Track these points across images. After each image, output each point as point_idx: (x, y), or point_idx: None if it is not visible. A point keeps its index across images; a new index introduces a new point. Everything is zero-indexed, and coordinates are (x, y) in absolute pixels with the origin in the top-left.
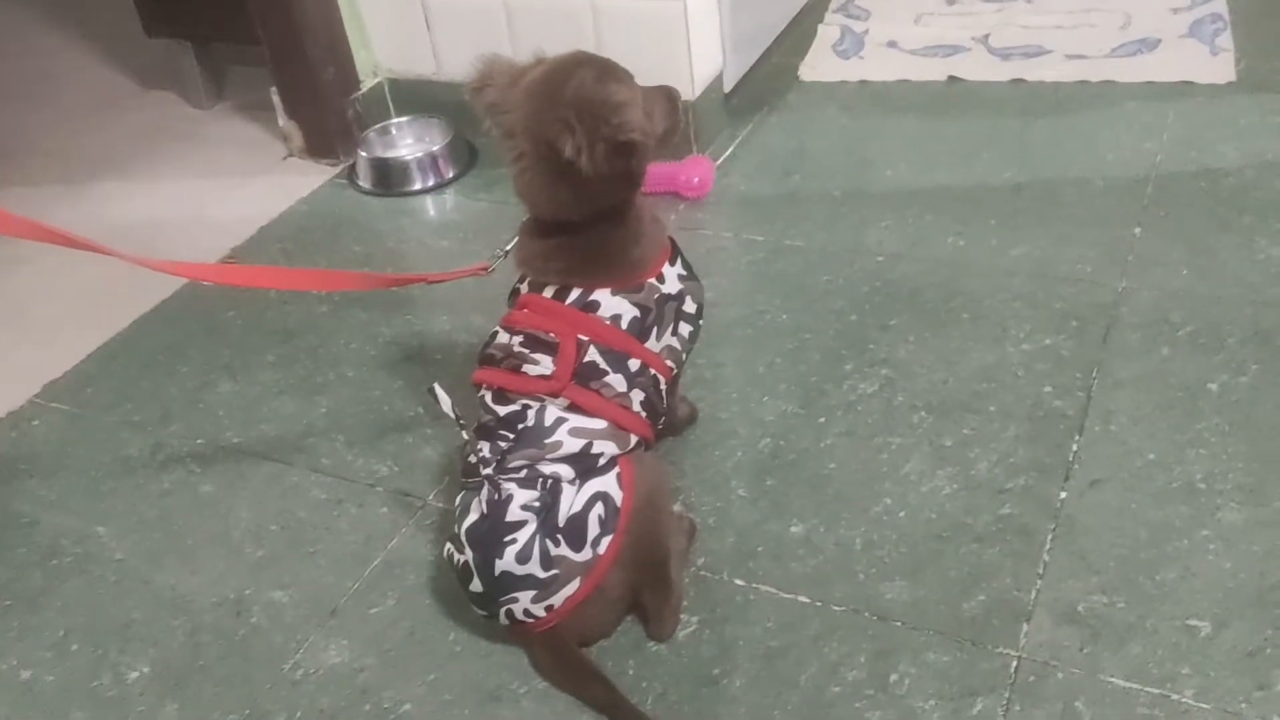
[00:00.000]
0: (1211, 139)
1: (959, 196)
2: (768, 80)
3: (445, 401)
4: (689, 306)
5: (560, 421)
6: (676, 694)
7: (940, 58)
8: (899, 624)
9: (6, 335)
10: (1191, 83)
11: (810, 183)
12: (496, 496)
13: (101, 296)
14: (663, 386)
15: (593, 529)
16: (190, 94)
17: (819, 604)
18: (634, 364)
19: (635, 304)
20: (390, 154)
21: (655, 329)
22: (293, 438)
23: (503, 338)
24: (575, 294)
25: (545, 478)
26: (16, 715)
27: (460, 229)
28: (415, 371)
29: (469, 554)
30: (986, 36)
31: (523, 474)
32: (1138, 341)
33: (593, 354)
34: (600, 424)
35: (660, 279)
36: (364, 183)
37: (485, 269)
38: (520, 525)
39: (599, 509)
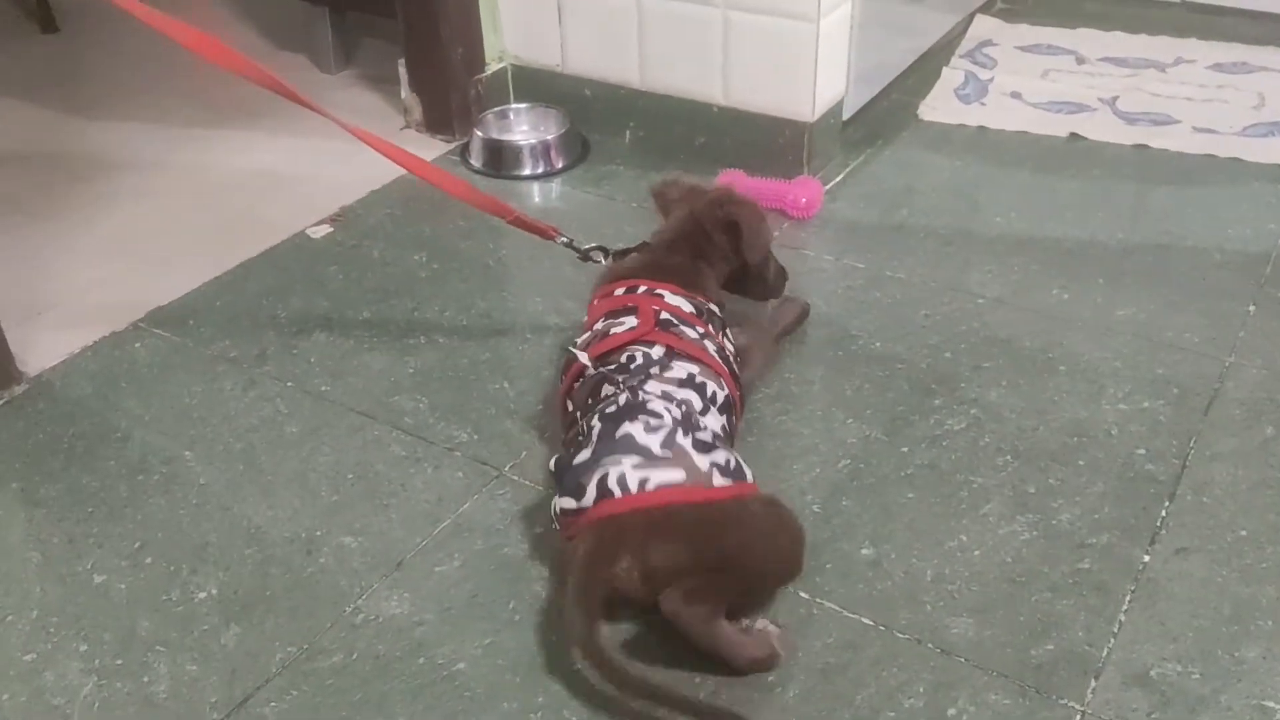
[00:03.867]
0: None
1: (1068, 251)
2: (886, 114)
3: (583, 356)
4: (733, 339)
5: (662, 359)
6: (729, 695)
7: (1064, 114)
8: (962, 660)
9: (122, 262)
10: None
11: (917, 219)
12: (637, 398)
13: (214, 237)
14: (732, 358)
15: (720, 457)
16: (320, 58)
17: (882, 628)
18: (698, 328)
19: (690, 301)
20: (505, 137)
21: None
22: (378, 393)
23: (586, 335)
24: (643, 288)
25: (680, 400)
26: (87, 616)
27: (563, 217)
28: (504, 345)
29: (595, 429)
30: (1115, 99)
31: (659, 391)
32: (1240, 417)
33: (665, 315)
34: (696, 366)
35: (709, 303)
36: (476, 162)
37: (554, 234)
38: (658, 415)
39: (731, 459)
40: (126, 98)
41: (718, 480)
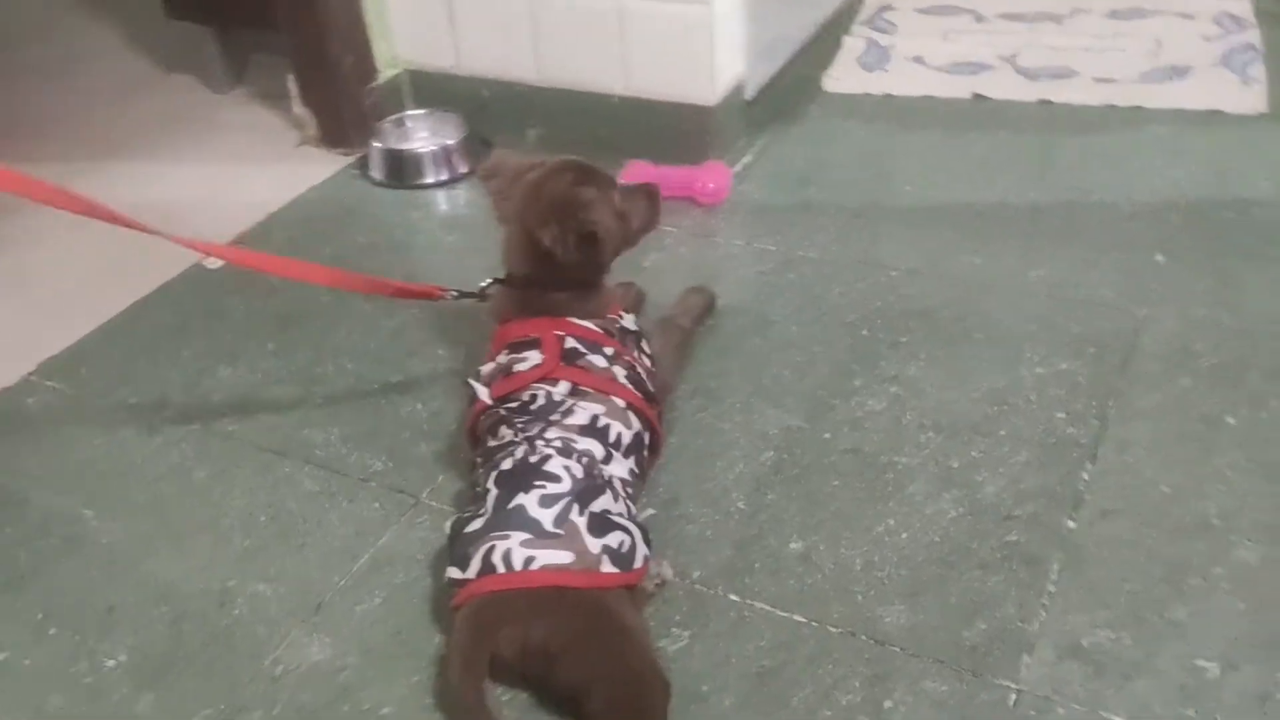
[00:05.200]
0: (1241, 169)
1: (979, 215)
2: (790, 90)
3: (482, 392)
4: (648, 348)
5: (566, 400)
6: (668, 708)
7: (966, 75)
8: (897, 649)
9: (7, 310)
10: (1221, 112)
11: (827, 194)
12: (534, 455)
13: (103, 276)
14: (646, 377)
15: (614, 540)
16: (210, 79)
17: (815, 624)
18: (608, 350)
19: (597, 324)
20: (404, 146)
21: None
22: (289, 428)
23: (488, 366)
24: (542, 318)
25: (580, 452)
26: None
27: (471, 225)
28: (415, 367)
29: (491, 494)
30: (1014, 56)
31: (558, 444)
32: (1157, 371)
33: (570, 342)
34: (601, 406)
35: (619, 316)
36: (376, 174)
37: (440, 293)
38: (556, 478)
39: (625, 541)
40: (4, 132)
41: (606, 567)
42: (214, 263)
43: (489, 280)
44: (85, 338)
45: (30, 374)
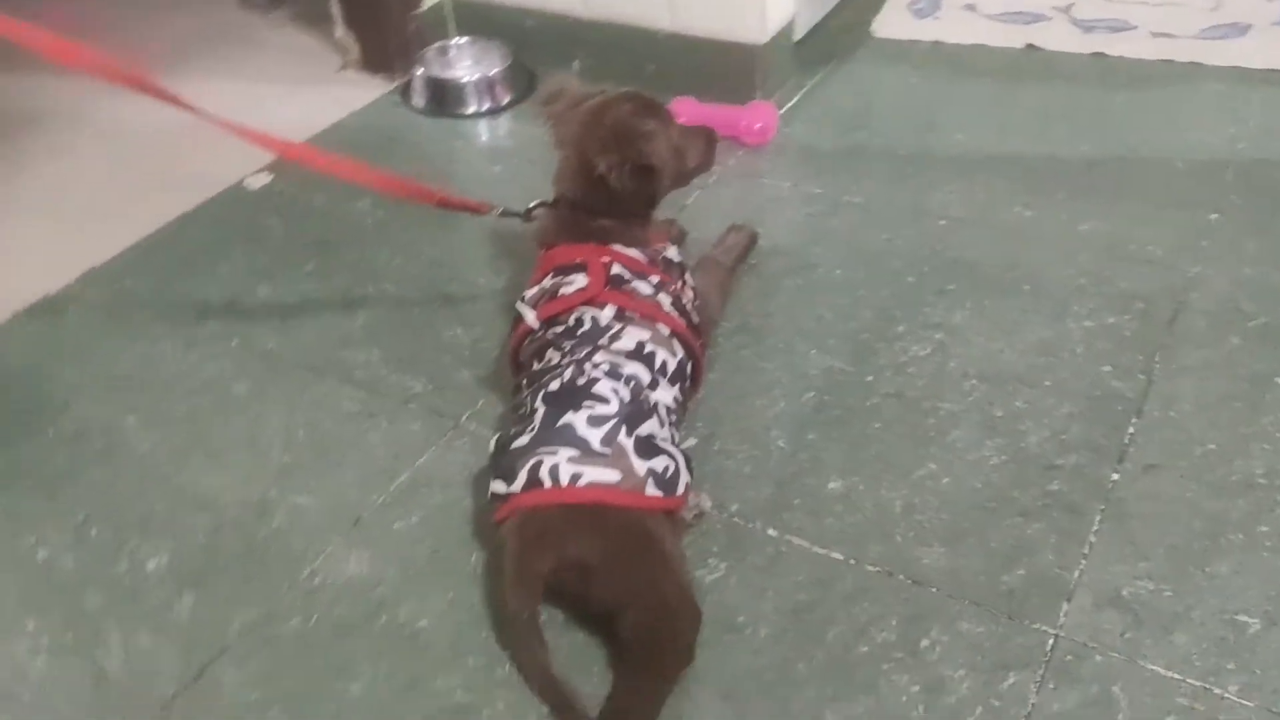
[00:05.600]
0: None
1: (1029, 167)
2: (840, 33)
3: (529, 314)
4: (692, 281)
5: (613, 324)
6: (698, 638)
7: (1020, 24)
8: (934, 590)
9: (48, 222)
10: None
11: (875, 140)
12: (582, 376)
13: (143, 192)
14: (690, 308)
15: (659, 464)
16: None
17: (852, 562)
18: (653, 278)
19: (643, 253)
20: (447, 74)
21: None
22: (329, 348)
23: (533, 291)
24: (589, 244)
25: (627, 376)
26: (32, 593)
27: (511, 156)
28: (456, 293)
29: (538, 413)
30: (1070, 6)
31: (606, 367)
32: (1205, 329)
33: (616, 269)
34: (647, 332)
35: (664, 247)
36: (418, 101)
37: (486, 209)
38: (604, 400)
39: (670, 466)
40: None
41: (651, 489)
42: (254, 183)
43: (535, 203)
44: (126, 251)
45: (73, 284)
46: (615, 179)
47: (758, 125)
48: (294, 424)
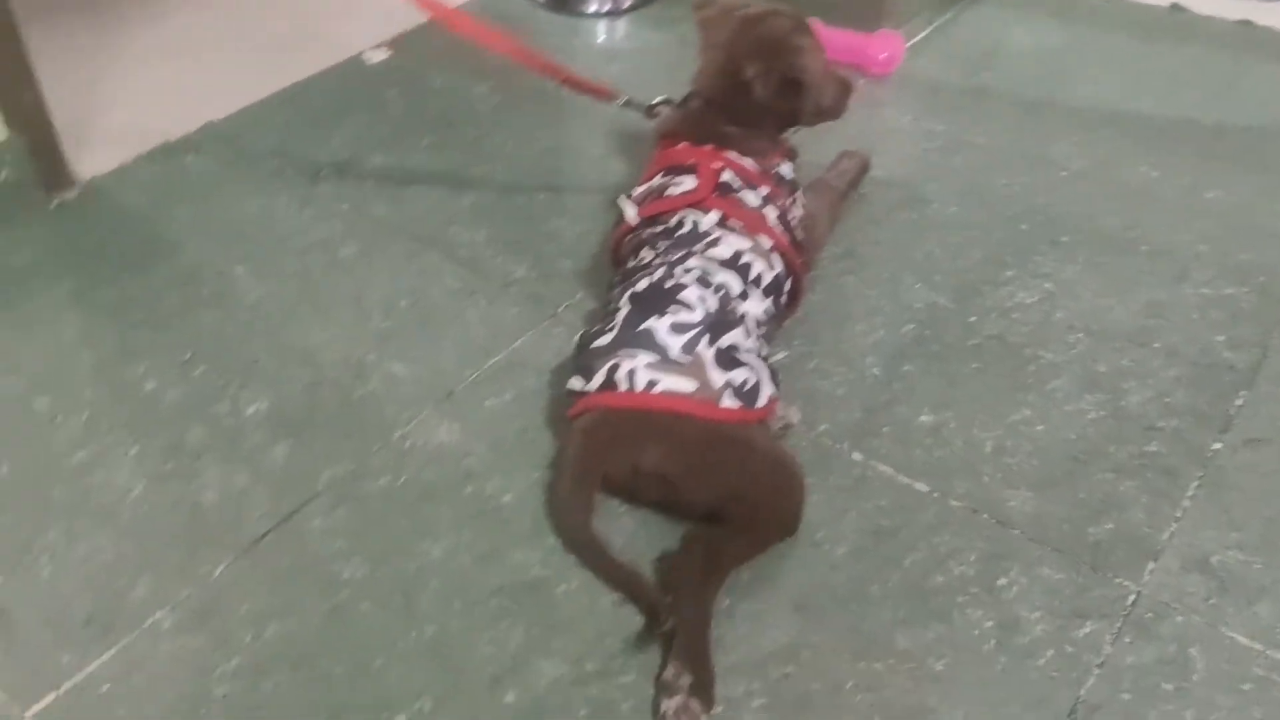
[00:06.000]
0: None
1: (1158, 127)
2: None
3: (630, 210)
4: (803, 200)
5: (713, 231)
6: (777, 548)
7: None
8: (1017, 532)
9: (178, 70)
10: None
11: (1002, 83)
12: (671, 279)
13: (271, 52)
14: (795, 225)
15: (738, 376)
16: None
17: (937, 495)
18: (762, 190)
19: (757, 164)
20: None
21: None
22: (436, 223)
23: (641, 188)
24: (708, 146)
25: (717, 285)
26: (137, 421)
27: (629, 58)
28: (566, 183)
29: (621, 312)
30: None
31: (697, 273)
32: None
33: (727, 176)
34: (746, 242)
35: (779, 162)
36: None
37: (612, 96)
38: (689, 307)
39: (749, 380)
40: None
41: (727, 401)
42: (372, 58)
43: (660, 99)
44: (247, 107)
45: (193, 133)
46: (760, 88)
47: (883, 55)
48: (397, 292)
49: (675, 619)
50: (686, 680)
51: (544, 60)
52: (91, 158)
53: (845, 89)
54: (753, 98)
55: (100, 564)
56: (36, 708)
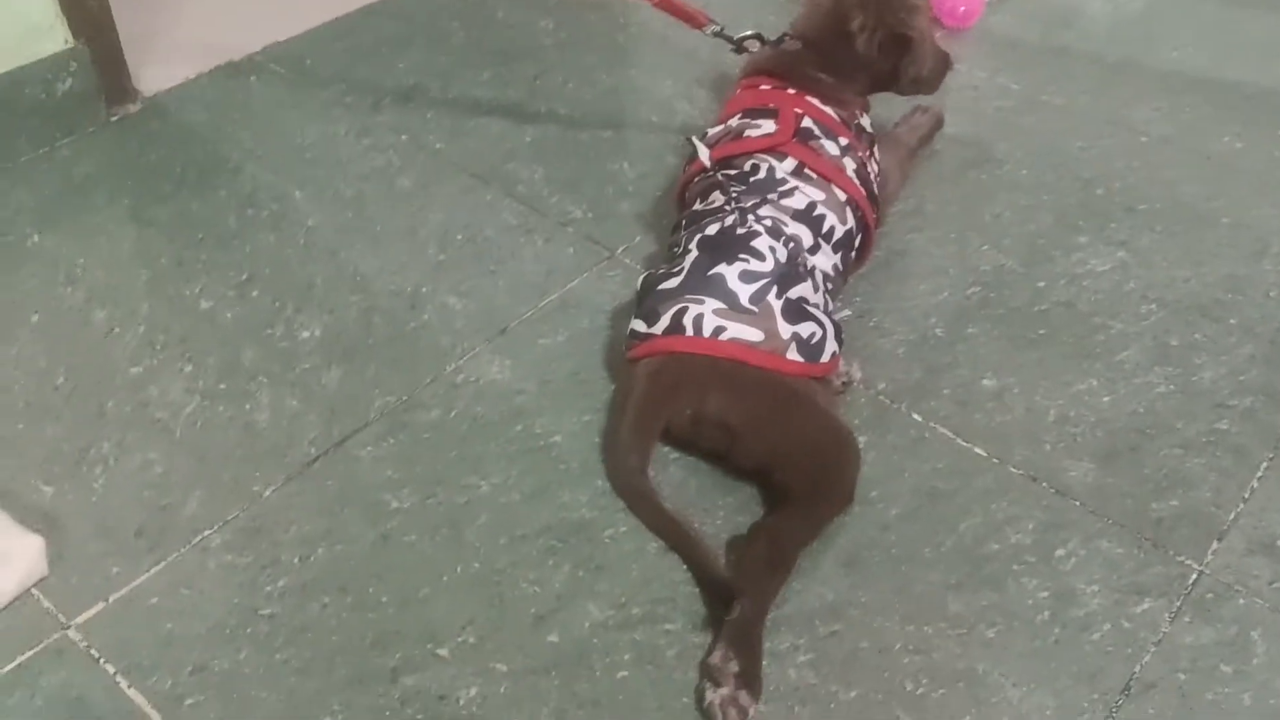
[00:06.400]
0: None
1: (1247, 96)
2: None
3: (703, 151)
4: (879, 158)
5: (788, 179)
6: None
7: None
8: (1077, 504)
9: None
10: None
11: (1083, 43)
12: (743, 227)
13: None
14: (873, 179)
15: (805, 329)
16: None
17: (996, 461)
18: (843, 140)
19: (839, 113)
20: None
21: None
22: (494, 159)
23: (717, 129)
24: (792, 89)
25: (789, 236)
26: (192, 338)
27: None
28: (628, 125)
29: (690, 256)
30: None
31: (769, 223)
32: None
33: (808, 122)
34: (821, 193)
35: (860, 114)
36: None
37: (704, 21)
38: (760, 256)
39: (816, 333)
40: None
41: (792, 354)
42: None
43: (751, 33)
44: (311, 30)
45: (256, 54)
46: (866, 40)
47: (961, 8)
48: (453, 225)
49: (737, 603)
50: (734, 667)
51: None
52: (154, 73)
53: (945, 63)
54: (855, 50)
55: (152, 478)
56: (83, 617)
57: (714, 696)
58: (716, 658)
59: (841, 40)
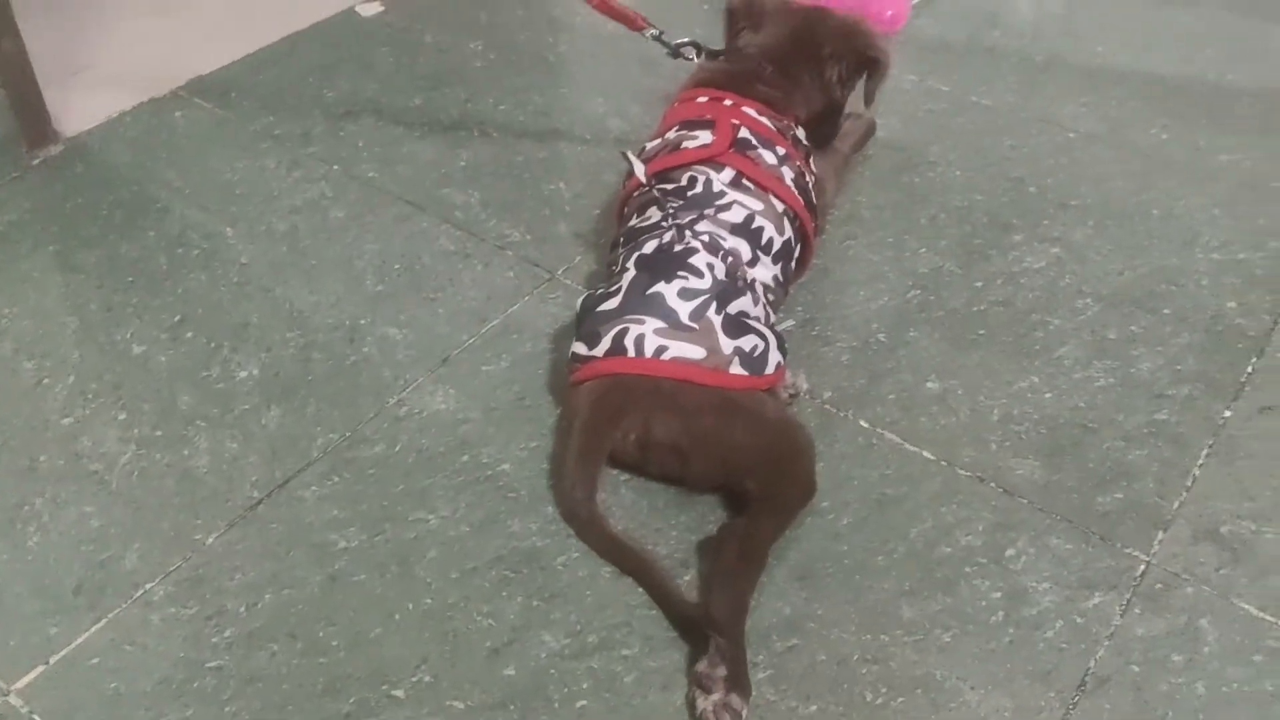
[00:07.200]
0: None
1: (1172, 88)
2: None
3: (639, 167)
4: (815, 167)
5: (725, 191)
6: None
7: None
8: (1025, 502)
9: (162, 24)
10: None
11: (1010, 41)
12: (680, 243)
13: (258, 5)
14: (811, 188)
15: (747, 343)
16: None
17: (943, 463)
18: (780, 150)
19: (775, 124)
20: None
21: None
22: (429, 184)
23: (654, 143)
24: (729, 100)
25: (727, 251)
26: (125, 385)
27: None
28: (561, 145)
29: (628, 275)
30: None
31: (706, 239)
32: None
33: (745, 133)
34: (759, 204)
35: (794, 125)
36: None
37: (642, 25)
38: (699, 273)
39: (758, 346)
40: None
41: (735, 369)
42: (366, 10)
43: (688, 40)
44: (237, 62)
45: (180, 88)
46: (832, 66)
47: (888, 13)
48: (390, 255)
49: (704, 608)
50: (721, 672)
51: None
52: (76, 112)
53: (871, 131)
54: (820, 73)
55: (89, 532)
56: (24, 681)
57: (706, 704)
58: (703, 665)
59: (807, 62)
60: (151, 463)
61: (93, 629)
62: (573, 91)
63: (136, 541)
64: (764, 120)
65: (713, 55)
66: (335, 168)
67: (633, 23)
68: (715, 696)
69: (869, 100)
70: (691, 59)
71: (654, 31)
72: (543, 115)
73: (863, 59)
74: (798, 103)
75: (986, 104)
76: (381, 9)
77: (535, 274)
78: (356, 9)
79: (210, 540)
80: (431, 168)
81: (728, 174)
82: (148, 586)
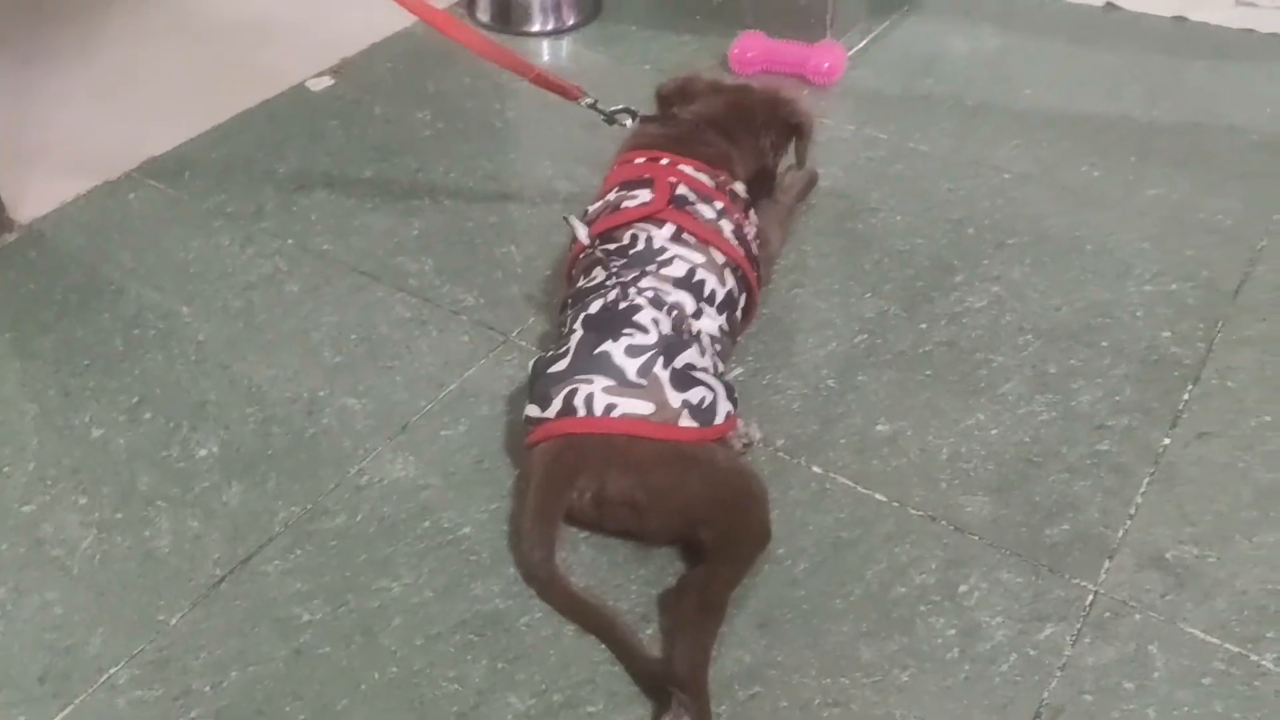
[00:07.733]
0: None
1: (1099, 127)
2: None
3: (581, 230)
4: (754, 219)
5: (666, 246)
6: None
7: None
8: (976, 538)
9: (113, 108)
10: None
11: (943, 88)
12: (625, 301)
13: (208, 85)
14: (751, 240)
15: (695, 395)
16: None
17: (896, 504)
18: (718, 204)
19: (711, 180)
20: None
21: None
22: (383, 254)
23: (596, 205)
24: (665, 159)
25: (671, 305)
26: (85, 470)
27: (573, 78)
28: (511, 209)
29: (575, 335)
30: None
31: (650, 294)
32: (1270, 302)
33: (682, 190)
34: (700, 257)
35: (731, 179)
36: (483, 16)
37: (579, 94)
38: (644, 329)
39: (706, 398)
40: None
41: (685, 421)
42: (316, 85)
43: (622, 107)
44: (188, 142)
45: (132, 171)
46: (767, 137)
47: (825, 65)
48: (346, 325)
49: (666, 664)
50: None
51: (515, 57)
52: (30, 199)
53: (811, 182)
54: (757, 140)
55: (52, 619)
56: None
57: None
58: (669, 718)
59: (744, 127)
60: (113, 546)
61: (59, 717)
62: (520, 156)
63: (100, 626)
64: (701, 177)
65: (648, 120)
66: (289, 242)
67: (569, 93)
68: None
69: (801, 161)
70: (625, 125)
71: (589, 100)
72: (492, 180)
73: (788, 126)
74: (735, 161)
75: (924, 149)
76: (331, 83)
77: (490, 337)
78: (306, 84)
79: (174, 621)
80: (385, 237)
81: (668, 229)
82: (112, 671)
